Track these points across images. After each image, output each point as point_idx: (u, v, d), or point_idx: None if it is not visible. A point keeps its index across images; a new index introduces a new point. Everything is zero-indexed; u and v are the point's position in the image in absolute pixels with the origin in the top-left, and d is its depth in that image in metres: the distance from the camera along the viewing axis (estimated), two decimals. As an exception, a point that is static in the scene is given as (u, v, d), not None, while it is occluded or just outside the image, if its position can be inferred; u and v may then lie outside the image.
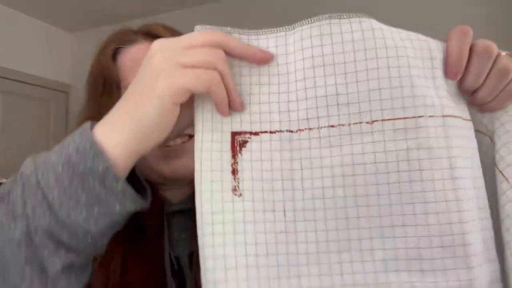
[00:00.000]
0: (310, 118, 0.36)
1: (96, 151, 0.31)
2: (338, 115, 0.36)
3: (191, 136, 0.54)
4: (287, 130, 0.36)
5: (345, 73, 0.37)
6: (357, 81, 0.36)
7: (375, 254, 0.34)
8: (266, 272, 0.34)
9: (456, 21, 0.46)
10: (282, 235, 0.35)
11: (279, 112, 0.37)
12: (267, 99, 0.37)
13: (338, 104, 0.36)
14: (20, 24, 3.03)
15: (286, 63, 0.38)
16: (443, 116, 0.35)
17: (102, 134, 0.32)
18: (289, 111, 0.37)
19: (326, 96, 0.36)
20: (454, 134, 0.35)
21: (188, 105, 0.35)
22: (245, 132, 0.36)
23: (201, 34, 0.34)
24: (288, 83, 0.37)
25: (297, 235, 0.35)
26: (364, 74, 0.36)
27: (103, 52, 0.58)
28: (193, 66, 0.32)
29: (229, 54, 0.35)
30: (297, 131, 0.36)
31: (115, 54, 0.56)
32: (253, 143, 0.36)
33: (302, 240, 0.35)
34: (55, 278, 0.32)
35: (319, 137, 0.36)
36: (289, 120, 0.37)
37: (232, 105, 0.35)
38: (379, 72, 0.36)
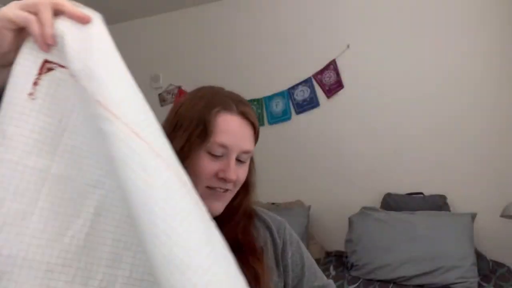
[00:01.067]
0: None
1: None
2: None
3: (227, 190, 0.69)
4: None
5: None
6: None
7: None
8: None
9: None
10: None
11: None
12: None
13: None
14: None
15: None
16: None
17: None
18: None
19: None
20: None
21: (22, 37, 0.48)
22: (55, 63, 0.49)
23: None
24: None
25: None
26: None
27: (208, 106, 0.70)
28: (22, 8, 0.47)
29: (62, 12, 0.49)
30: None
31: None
32: (57, 72, 0.49)
33: None
34: None
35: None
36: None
37: (44, 39, 0.47)
38: None
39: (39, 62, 0.49)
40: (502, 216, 1.83)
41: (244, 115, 0.70)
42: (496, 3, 2.20)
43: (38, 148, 0.48)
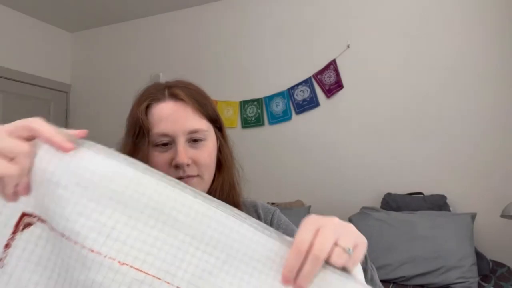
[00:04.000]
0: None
1: None
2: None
3: (192, 176, 0.67)
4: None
5: None
6: None
7: None
8: None
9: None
10: None
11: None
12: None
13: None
14: (20, 24, 3.03)
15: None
16: None
17: None
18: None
19: None
20: None
21: None
22: (35, 216, 0.40)
23: (22, 121, 0.40)
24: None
25: None
26: None
27: (138, 104, 0.70)
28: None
29: (40, 138, 0.40)
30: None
31: (147, 107, 0.70)
32: (37, 228, 0.40)
33: None
34: None
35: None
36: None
37: (19, 189, 0.39)
38: None
39: (17, 215, 0.40)
40: (502, 216, 1.83)
41: (175, 97, 0.68)
42: (496, 3, 2.20)
43: None
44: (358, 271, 0.44)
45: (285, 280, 0.41)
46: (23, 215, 0.40)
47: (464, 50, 2.25)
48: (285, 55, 2.68)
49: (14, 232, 0.40)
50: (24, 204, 0.40)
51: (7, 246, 0.39)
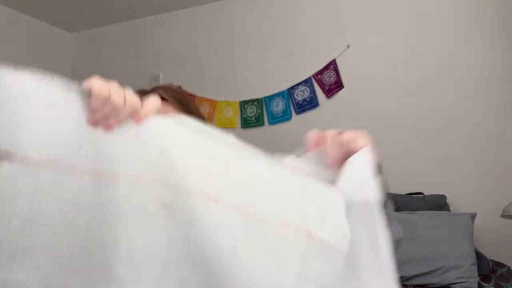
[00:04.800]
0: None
1: None
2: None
3: None
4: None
5: None
6: None
7: None
8: None
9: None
10: None
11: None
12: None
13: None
14: (20, 24, 3.03)
15: None
16: None
17: None
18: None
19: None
20: None
21: None
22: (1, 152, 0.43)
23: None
24: None
25: None
26: None
27: None
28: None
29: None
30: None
31: None
32: (3, 166, 0.43)
33: None
34: None
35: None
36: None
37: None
38: None
39: None
40: (502, 216, 1.83)
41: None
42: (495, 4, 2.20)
43: None
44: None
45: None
46: None
47: (464, 50, 2.25)
48: (285, 55, 2.68)
49: None
50: None
51: None
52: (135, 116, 0.50)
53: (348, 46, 2.49)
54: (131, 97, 0.49)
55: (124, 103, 0.48)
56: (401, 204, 2.20)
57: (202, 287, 0.47)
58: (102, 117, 0.48)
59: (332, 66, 2.53)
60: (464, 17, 2.26)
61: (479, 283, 1.76)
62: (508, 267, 1.92)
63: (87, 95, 0.47)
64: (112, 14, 3.15)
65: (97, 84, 0.47)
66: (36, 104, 0.46)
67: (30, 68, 0.50)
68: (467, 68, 2.24)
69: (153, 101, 0.51)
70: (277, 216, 0.51)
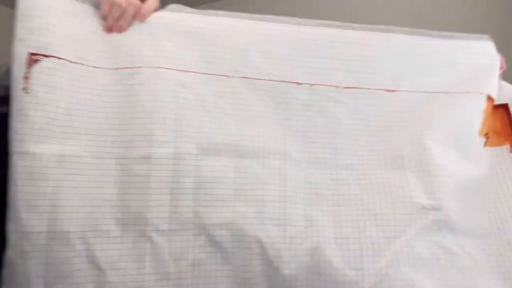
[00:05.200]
0: None
1: None
2: None
3: None
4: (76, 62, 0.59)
5: None
6: None
7: None
8: None
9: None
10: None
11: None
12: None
13: None
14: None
15: None
16: None
17: None
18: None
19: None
20: None
21: None
22: (39, 54, 0.56)
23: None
24: None
25: None
26: None
27: None
28: None
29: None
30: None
31: None
32: (44, 62, 0.56)
33: None
34: None
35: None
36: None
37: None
38: None
39: (24, 58, 0.55)
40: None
41: None
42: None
43: (45, 135, 0.54)
44: None
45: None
46: (30, 55, 0.55)
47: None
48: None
49: (27, 67, 0.55)
50: (30, 47, 0.56)
51: (26, 78, 0.55)
52: (138, 14, 0.62)
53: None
54: (132, 0, 0.62)
55: (127, 4, 0.61)
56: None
57: None
58: (112, 21, 0.61)
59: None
60: (464, 17, 2.22)
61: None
62: None
63: (98, 5, 0.62)
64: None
65: None
66: (59, 14, 0.58)
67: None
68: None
69: (152, 0, 0.64)
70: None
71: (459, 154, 0.66)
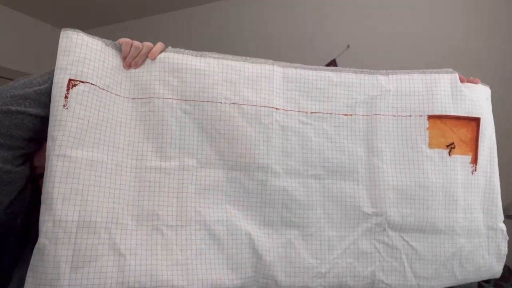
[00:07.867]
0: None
1: None
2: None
3: None
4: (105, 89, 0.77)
5: None
6: None
7: None
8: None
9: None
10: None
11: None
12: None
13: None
14: (20, 24, 3.03)
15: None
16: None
17: None
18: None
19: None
20: None
21: None
22: (77, 80, 0.72)
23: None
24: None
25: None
26: None
27: None
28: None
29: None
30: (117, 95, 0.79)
31: None
32: (80, 87, 0.72)
33: None
34: None
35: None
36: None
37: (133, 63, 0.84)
38: None
39: (65, 82, 0.70)
40: (502, 216, 1.83)
41: None
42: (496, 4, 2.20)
43: (79, 143, 0.69)
44: None
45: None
46: (70, 80, 0.71)
47: (464, 50, 2.25)
48: (285, 55, 2.68)
49: (67, 89, 0.70)
50: (70, 75, 0.71)
51: (66, 97, 0.69)
52: (150, 53, 0.80)
53: (348, 46, 2.49)
54: (146, 43, 0.81)
55: (142, 46, 0.80)
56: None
57: None
58: (131, 59, 0.79)
59: (332, 66, 2.53)
60: (466, 16, 2.26)
61: (479, 283, 1.76)
62: (508, 267, 1.92)
63: (119, 48, 0.81)
64: (113, 15, 3.15)
65: (124, 39, 0.80)
66: (93, 51, 0.75)
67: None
68: (470, 68, 2.24)
69: (160, 43, 0.82)
70: None
71: (405, 168, 0.86)
